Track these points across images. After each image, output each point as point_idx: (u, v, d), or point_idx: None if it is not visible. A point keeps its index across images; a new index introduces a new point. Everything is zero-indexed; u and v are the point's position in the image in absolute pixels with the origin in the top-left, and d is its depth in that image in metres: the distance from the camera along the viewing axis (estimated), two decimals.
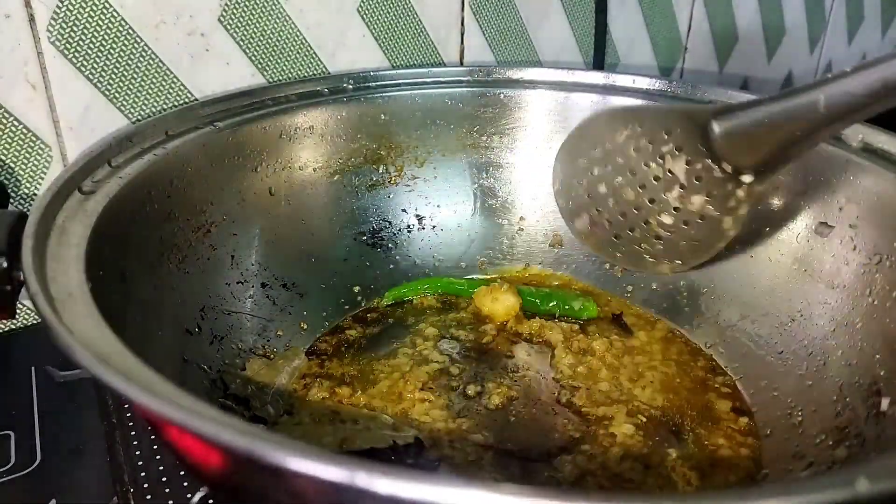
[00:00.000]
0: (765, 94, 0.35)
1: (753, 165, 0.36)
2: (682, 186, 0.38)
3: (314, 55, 0.59)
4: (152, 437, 0.41)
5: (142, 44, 0.51)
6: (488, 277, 0.57)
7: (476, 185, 0.58)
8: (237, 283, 0.46)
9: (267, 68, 0.57)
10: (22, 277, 0.29)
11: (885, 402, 0.36)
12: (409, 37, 0.63)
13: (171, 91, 0.53)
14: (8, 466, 0.40)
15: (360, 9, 0.59)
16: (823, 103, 0.31)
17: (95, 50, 0.49)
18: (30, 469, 0.40)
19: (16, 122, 0.48)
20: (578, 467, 0.39)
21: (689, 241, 0.39)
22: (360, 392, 0.44)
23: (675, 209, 0.38)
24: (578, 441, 0.40)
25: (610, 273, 0.55)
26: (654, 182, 0.38)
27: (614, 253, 0.44)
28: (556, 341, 0.49)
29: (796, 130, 0.33)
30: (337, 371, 0.46)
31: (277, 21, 0.56)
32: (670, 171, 0.37)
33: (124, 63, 0.50)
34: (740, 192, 0.37)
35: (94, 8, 0.48)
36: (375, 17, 0.60)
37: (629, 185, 0.39)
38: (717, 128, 0.35)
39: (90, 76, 0.49)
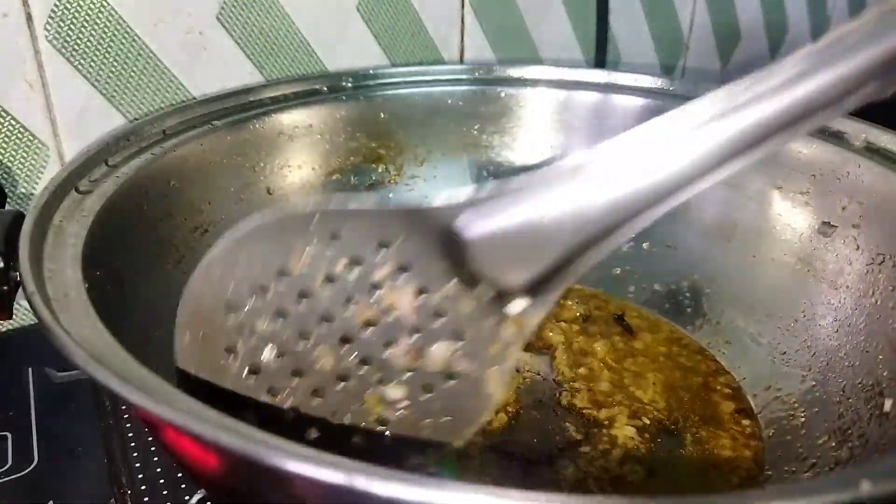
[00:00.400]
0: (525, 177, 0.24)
1: (527, 284, 0.23)
2: (411, 331, 0.23)
3: (313, 53, 0.58)
4: (150, 438, 0.41)
5: (139, 42, 0.50)
6: None
7: (476, 185, 0.58)
8: None
9: (265, 67, 0.56)
10: (19, 277, 0.29)
11: (888, 403, 0.36)
12: (409, 35, 0.63)
13: (168, 90, 0.53)
14: (5, 468, 0.40)
15: (359, 7, 0.59)
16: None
17: (93, 49, 0.49)
18: (27, 471, 0.40)
19: (13, 121, 0.48)
20: (580, 469, 0.38)
21: (436, 417, 0.24)
22: None
23: (404, 372, 0.24)
24: (579, 443, 0.40)
25: (611, 273, 0.55)
26: (365, 331, 0.23)
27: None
28: (556, 342, 0.48)
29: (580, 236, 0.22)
30: None
31: (276, 19, 0.55)
32: (390, 308, 0.23)
33: (122, 62, 0.50)
34: (509, 328, 0.23)
35: (92, 6, 0.48)
36: (375, 15, 0.60)
37: (320, 341, 0.24)
38: (466, 233, 0.23)
39: (88, 75, 0.49)
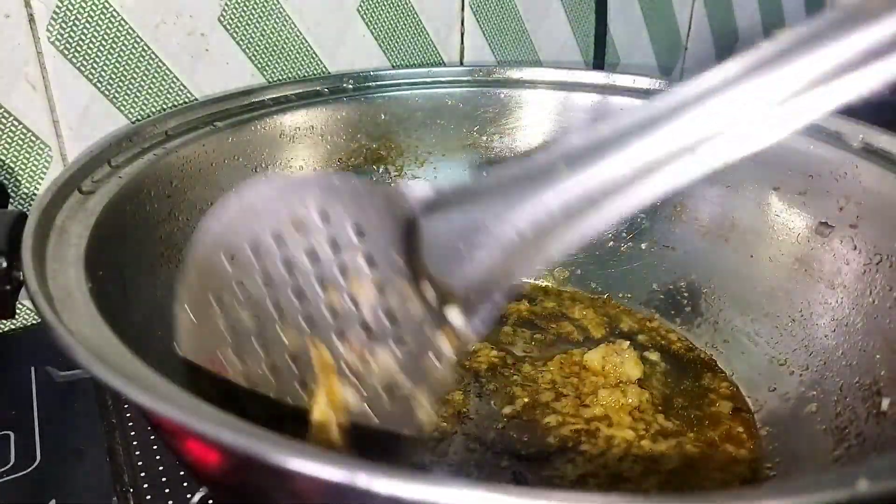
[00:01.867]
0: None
1: (461, 294, 0.25)
2: (365, 327, 0.25)
3: (314, 55, 0.58)
4: (152, 437, 0.41)
5: (142, 44, 0.51)
6: None
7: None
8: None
9: (267, 68, 0.57)
10: (22, 277, 0.29)
11: (885, 403, 0.36)
12: (409, 37, 0.63)
13: (171, 91, 0.53)
14: (7, 467, 0.40)
15: (359, 8, 0.59)
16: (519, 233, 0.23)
17: (95, 50, 0.49)
18: (29, 469, 0.40)
19: (16, 122, 0.48)
20: (578, 467, 0.39)
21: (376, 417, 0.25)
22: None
23: (352, 370, 0.25)
24: (578, 441, 0.40)
25: (609, 273, 0.55)
26: (327, 316, 0.25)
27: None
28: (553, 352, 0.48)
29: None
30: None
31: (277, 21, 0.56)
32: (352, 299, 0.25)
33: (124, 63, 0.50)
34: (443, 344, 0.25)
35: (94, 8, 0.48)
36: (375, 17, 0.60)
37: (285, 316, 0.25)
38: (422, 232, 0.25)
39: (90, 76, 0.49)
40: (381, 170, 0.56)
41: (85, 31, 0.48)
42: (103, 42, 0.49)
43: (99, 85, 0.50)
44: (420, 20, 0.63)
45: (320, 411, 0.26)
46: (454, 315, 0.25)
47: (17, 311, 0.33)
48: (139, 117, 0.52)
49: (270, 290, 0.25)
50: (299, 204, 0.25)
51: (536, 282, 0.57)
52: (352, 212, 0.25)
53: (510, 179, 0.24)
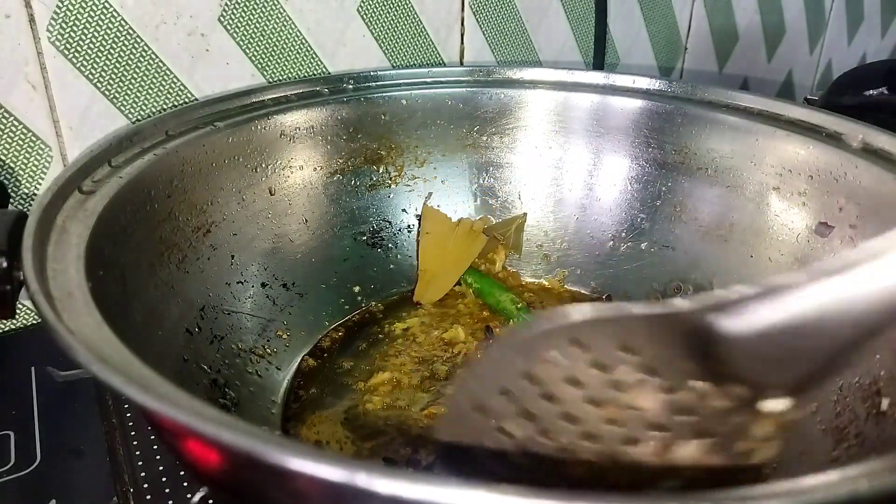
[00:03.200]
0: (799, 275, 0.22)
1: (793, 383, 0.22)
2: (657, 428, 0.24)
3: (314, 55, 0.59)
4: (152, 437, 0.41)
5: (142, 44, 0.51)
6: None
7: (476, 185, 0.58)
8: (237, 282, 0.46)
9: (267, 68, 0.57)
10: (22, 277, 0.29)
11: (884, 403, 0.36)
12: (409, 37, 0.63)
13: (171, 91, 0.53)
14: (7, 466, 0.40)
15: (360, 9, 0.59)
16: None
17: (95, 50, 0.49)
18: (29, 469, 0.40)
19: (16, 122, 0.48)
20: (579, 468, 0.39)
21: None
22: (357, 392, 0.44)
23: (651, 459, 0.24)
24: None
25: (609, 273, 0.55)
26: (610, 429, 0.24)
27: None
28: None
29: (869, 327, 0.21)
30: (336, 371, 0.46)
31: (277, 21, 0.56)
32: (635, 408, 0.23)
33: (124, 63, 0.50)
34: (764, 426, 0.23)
35: (94, 8, 0.48)
36: (375, 17, 0.60)
37: (562, 439, 0.25)
38: (725, 331, 0.22)
39: (90, 76, 0.49)
40: (381, 170, 0.56)
41: (85, 31, 0.48)
42: (103, 42, 0.49)
43: (99, 85, 0.50)
44: (420, 20, 0.63)
45: None
46: (773, 404, 0.23)
47: (17, 311, 0.33)
48: (139, 117, 0.52)
49: (534, 423, 0.25)
50: (545, 346, 0.24)
51: (536, 282, 0.57)
52: (608, 336, 0.23)
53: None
